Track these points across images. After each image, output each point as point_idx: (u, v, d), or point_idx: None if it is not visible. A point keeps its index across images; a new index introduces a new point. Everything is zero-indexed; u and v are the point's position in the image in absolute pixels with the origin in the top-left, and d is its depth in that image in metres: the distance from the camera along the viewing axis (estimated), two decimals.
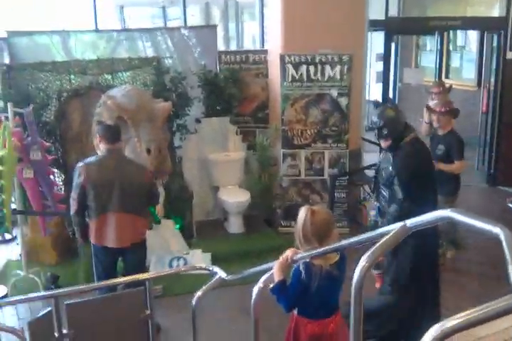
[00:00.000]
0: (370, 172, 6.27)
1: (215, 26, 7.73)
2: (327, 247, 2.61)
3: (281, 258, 2.86)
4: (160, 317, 4.39)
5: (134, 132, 5.26)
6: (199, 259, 5.81)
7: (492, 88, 8.57)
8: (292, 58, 6.52)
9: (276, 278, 2.86)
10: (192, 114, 6.76)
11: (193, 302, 3.59)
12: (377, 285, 4.45)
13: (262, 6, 7.94)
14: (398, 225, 1.78)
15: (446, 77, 10.69)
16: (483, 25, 8.71)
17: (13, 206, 5.55)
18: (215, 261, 5.63)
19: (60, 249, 6.04)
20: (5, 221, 5.20)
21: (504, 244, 1.36)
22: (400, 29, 8.88)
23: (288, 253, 2.86)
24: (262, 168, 6.91)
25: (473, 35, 10.41)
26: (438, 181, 4.37)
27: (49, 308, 3.30)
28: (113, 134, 4.49)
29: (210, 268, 3.82)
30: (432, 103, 6.44)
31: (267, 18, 7.73)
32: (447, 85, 6.95)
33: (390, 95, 9.09)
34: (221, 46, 7.86)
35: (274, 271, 2.86)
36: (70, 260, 5.89)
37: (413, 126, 4.27)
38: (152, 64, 6.59)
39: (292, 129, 6.69)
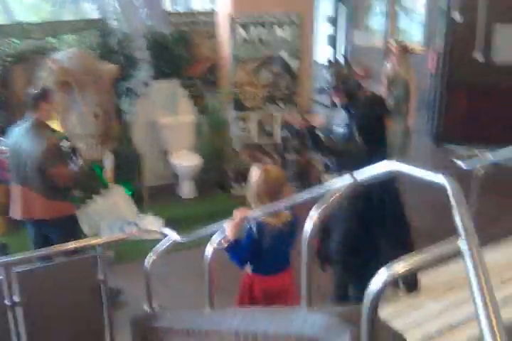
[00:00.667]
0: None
1: None
2: (278, 204, 2.61)
3: (233, 216, 2.86)
4: (114, 283, 4.37)
5: (80, 96, 5.13)
6: (151, 224, 5.78)
7: (439, 50, 8.68)
8: (242, 19, 6.42)
9: (229, 237, 2.86)
10: (140, 77, 6.61)
11: (146, 265, 3.58)
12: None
13: None
14: (346, 178, 1.78)
15: (395, 38, 10.74)
16: None
17: None
18: (167, 225, 5.60)
19: (8, 217, 5.89)
20: None
21: (448, 190, 1.39)
22: None
23: (240, 211, 2.86)
24: (213, 132, 6.86)
25: None
26: None
27: None
28: (26, 102, 4.32)
29: (162, 231, 3.80)
30: (388, 65, 6.44)
31: None
32: (405, 45, 6.68)
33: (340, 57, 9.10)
34: (169, 7, 7.65)
35: (226, 230, 2.86)
36: (19, 229, 5.76)
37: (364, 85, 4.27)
38: (98, 26, 6.38)
39: (243, 92, 6.63)
